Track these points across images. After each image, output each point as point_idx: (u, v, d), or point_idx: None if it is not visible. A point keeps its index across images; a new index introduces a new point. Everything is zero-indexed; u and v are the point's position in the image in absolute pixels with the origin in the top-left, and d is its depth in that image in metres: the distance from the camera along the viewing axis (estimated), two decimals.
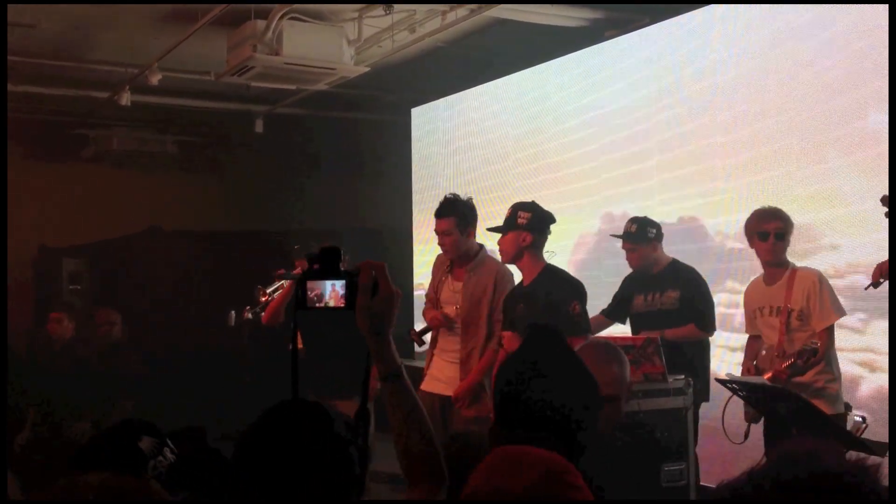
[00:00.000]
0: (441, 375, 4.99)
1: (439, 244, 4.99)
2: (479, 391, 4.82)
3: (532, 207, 4.59)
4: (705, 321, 4.93)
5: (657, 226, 5.12)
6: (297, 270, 6.12)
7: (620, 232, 5.18)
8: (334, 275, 1.82)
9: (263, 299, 6.13)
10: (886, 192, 3.62)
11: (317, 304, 1.82)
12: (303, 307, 1.82)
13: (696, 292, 4.97)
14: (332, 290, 1.81)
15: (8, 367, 5.49)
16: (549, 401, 2.00)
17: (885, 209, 3.59)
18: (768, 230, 4.36)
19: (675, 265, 5.11)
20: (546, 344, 2.15)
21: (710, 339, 5.05)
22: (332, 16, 6.39)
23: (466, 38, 6.86)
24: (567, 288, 4.41)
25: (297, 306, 1.82)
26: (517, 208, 4.59)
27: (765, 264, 4.47)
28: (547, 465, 1.52)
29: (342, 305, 1.81)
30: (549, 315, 4.20)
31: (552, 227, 4.63)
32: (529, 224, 4.51)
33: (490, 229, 4.72)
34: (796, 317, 4.27)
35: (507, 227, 4.56)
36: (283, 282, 6.04)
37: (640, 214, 5.23)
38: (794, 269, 4.38)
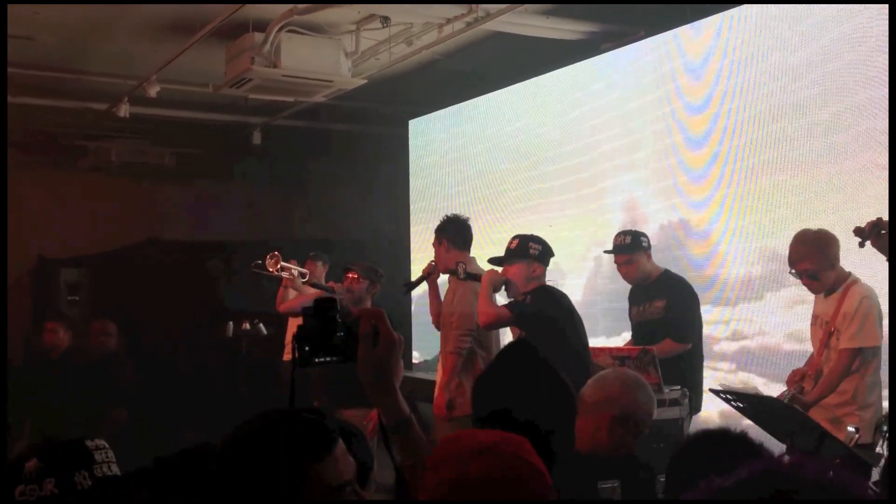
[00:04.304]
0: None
1: None
2: (454, 397, 4.92)
3: (540, 239, 4.62)
4: (681, 333, 4.90)
5: (647, 236, 5.15)
6: (306, 271, 6.32)
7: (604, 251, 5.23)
8: (332, 326, 1.74)
9: (272, 265, 6.22)
10: (859, 224, 3.57)
11: (316, 360, 1.75)
12: (303, 365, 1.74)
13: (678, 302, 4.97)
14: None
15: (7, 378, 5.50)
16: (526, 412, 2.00)
17: (859, 240, 3.57)
18: (799, 271, 4.10)
19: (666, 275, 5.12)
20: (522, 357, 2.17)
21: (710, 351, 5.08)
22: (330, 28, 6.42)
23: (463, 50, 6.90)
24: (545, 299, 4.48)
25: (295, 365, 1.74)
26: (528, 240, 4.58)
27: None
28: (500, 446, 1.49)
29: (343, 358, 1.74)
30: (545, 331, 4.24)
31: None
32: (541, 255, 4.55)
33: (492, 260, 4.72)
34: (837, 336, 4.03)
35: (517, 257, 4.54)
36: (294, 271, 6.24)
37: (636, 222, 5.26)
38: (851, 284, 4.05)
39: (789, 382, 4.25)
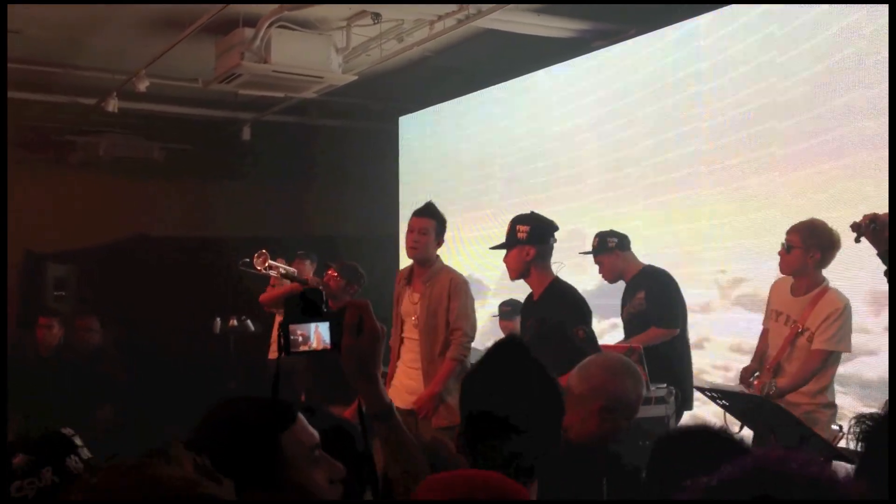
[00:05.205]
0: (404, 387, 4.96)
1: (412, 242, 4.94)
2: (441, 400, 4.79)
3: (531, 219, 4.45)
4: (666, 319, 4.94)
5: (619, 235, 5.21)
6: (294, 270, 6.31)
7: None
8: (318, 317, 1.80)
9: (260, 263, 6.22)
10: (855, 219, 3.59)
11: (301, 348, 1.80)
12: (288, 353, 1.80)
13: (656, 289, 5.01)
14: (315, 333, 1.80)
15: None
16: (515, 410, 1.99)
17: (855, 235, 3.59)
18: (785, 240, 4.20)
19: (646, 269, 5.19)
20: (510, 354, 2.17)
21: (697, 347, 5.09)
22: (321, 24, 6.41)
23: (454, 47, 6.90)
24: (570, 311, 4.26)
25: (280, 352, 1.80)
26: (515, 222, 4.44)
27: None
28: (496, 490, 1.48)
29: (328, 347, 1.79)
30: (557, 332, 4.20)
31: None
32: (530, 237, 4.36)
33: (494, 248, 4.59)
34: (807, 338, 4.12)
35: (510, 244, 4.42)
36: (282, 270, 6.25)
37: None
38: (826, 289, 4.15)
39: (743, 380, 4.33)
